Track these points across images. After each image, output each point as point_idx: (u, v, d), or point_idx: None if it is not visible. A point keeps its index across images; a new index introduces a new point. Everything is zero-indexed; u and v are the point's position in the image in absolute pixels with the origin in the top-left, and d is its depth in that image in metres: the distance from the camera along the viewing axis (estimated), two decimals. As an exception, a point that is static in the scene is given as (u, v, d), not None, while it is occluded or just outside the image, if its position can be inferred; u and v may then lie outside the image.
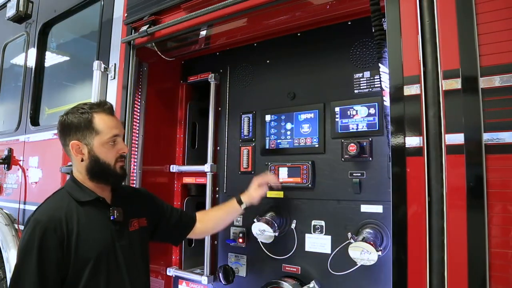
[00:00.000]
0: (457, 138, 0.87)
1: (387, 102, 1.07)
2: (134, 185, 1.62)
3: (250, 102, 1.64)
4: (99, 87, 1.60)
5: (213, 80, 1.72)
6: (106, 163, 1.09)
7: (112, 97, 1.62)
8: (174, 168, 1.80)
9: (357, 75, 1.37)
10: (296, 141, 1.48)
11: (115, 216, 1.10)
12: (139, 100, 1.67)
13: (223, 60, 1.74)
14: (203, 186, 1.69)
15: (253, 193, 1.37)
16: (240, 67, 1.69)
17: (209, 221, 1.38)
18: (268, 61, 1.61)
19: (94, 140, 1.08)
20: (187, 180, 1.79)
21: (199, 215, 1.38)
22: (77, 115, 1.09)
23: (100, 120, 1.10)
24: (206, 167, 1.66)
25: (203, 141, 1.78)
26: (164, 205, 1.32)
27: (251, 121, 1.62)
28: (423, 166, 0.90)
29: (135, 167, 1.63)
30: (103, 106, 1.12)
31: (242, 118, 1.64)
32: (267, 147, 1.55)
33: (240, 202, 1.38)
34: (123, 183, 1.21)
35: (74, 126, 1.09)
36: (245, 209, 1.38)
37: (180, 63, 1.90)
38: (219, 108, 1.73)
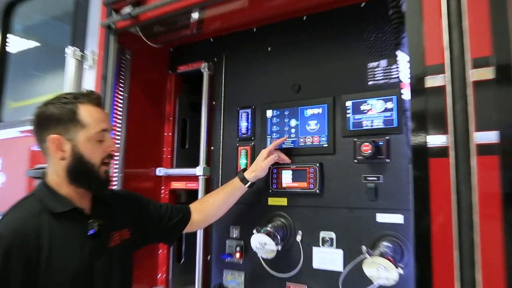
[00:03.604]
0: (489, 137, 0.86)
1: (406, 95, 1.07)
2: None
3: (248, 95, 1.64)
4: (74, 77, 1.59)
5: (207, 70, 1.73)
6: (90, 163, 1.07)
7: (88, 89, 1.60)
8: (161, 171, 1.80)
9: (371, 65, 1.37)
10: (301, 140, 1.49)
11: (95, 230, 1.08)
12: (121, 93, 1.66)
13: (218, 47, 1.74)
14: (195, 192, 1.70)
15: (261, 163, 1.39)
16: (237, 55, 1.69)
17: (209, 208, 1.40)
18: (269, 49, 1.61)
19: (79, 134, 1.06)
20: (176, 185, 1.80)
21: (194, 205, 1.40)
22: (59, 106, 1.05)
23: (86, 112, 1.07)
24: (198, 170, 1.67)
25: (195, 140, 1.79)
26: (151, 204, 1.32)
27: (250, 117, 1.62)
28: (448, 168, 0.89)
29: (116, 170, 1.62)
30: (90, 96, 1.10)
31: (240, 114, 1.64)
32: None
33: (243, 180, 1.39)
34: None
35: (55, 118, 1.05)
36: (251, 187, 1.41)
37: (169, 51, 1.90)
38: (213, 103, 1.73)
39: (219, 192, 1.44)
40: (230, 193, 1.42)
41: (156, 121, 1.84)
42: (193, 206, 1.41)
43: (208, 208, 1.42)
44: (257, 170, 1.41)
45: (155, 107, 1.83)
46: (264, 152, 1.44)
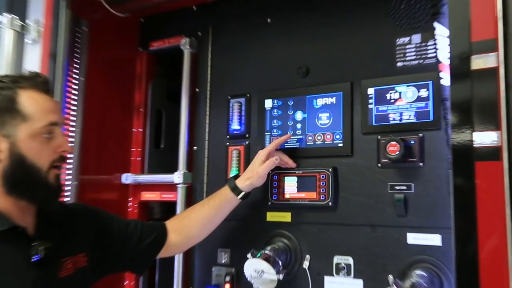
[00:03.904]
0: (554, 134, 0.87)
1: (446, 80, 1.09)
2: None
3: (242, 80, 1.65)
4: (12, 55, 1.56)
5: (188, 47, 1.73)
6: (35, 167, 1.06)
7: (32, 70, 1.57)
8: (128, 179, 1.81)
9: (401, 40, 1.37)
10: (309, 138, 1.48)
11: (40, 256, 1.06)
12: (76, 76, 1.65)
13: (202, 18, 1.75)
14: (172, 205, 1.70)
15: (257, 168, 1.40)
16: (227, 29, 1.70)
17: (190, 227, 1.42)
18: (269, 20, 1.61)
19: (19, 129, 1.05)
20: (147, 196, 1.81)
21: (172, 222, 1.42)
22: None
23: (29, 100, 1.06)
24: (177, 177, 1.67)
25: (173, 138, 1.79)
26: (114, 222, 1.33)
27: (243, 108, 1.62)
28: (501, 175, 0.89)
29: (69, 177, 1.61)
30: (34, 79, 1.10)
31: (231, 104, 1.65)
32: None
33: (235, 189, 1.40)
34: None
35: None
36: (244, 198, 1.42)
37: (138, 22, 1.91)
38: (197, 90, 1.74)
39: (203, 206, 1.44)
40: (218, 206, 1.42)
41: (122, 113, 1.84)
42: (170, 224, 1.42)
43: (189, 226, 1.42)
44: (252, 177, 1.41)
45: (120, 95, 1.83)
46: (261, 154, 1.44)
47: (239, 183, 1.41)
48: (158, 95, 1.89)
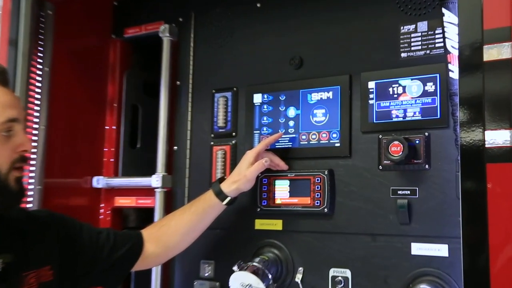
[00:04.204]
0: None
1: (455, 72, 1.08)
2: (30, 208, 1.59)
3: (228, 72, 1.64)
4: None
5: (168, 35, 1.72)
6: None
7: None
8: (99, 182, 1.80)
9: (405, 28, 1.37)
10: (303, 137, 1.48)
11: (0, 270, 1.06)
12: (39, 67, 1.64)
13: (184, 2, 1.75)
14: (149, 211, 1.70)
15: (245, 171, 1.40)
16: (212, 14, 1.69)
17: (170, 236, 1.42)
18: (258, 5, 1.61)
19: None
20: (121, 201, 1.80)
21: (149, 231, 1.42)
22: None
23: None
24: (155, 180, 1.67)
25: (150, 136, 1.78)
26: (84, 230, 1.33)
27: (230, 103, 1.62)
28: None
29: (32, 180, 1.60)
30: None
31: (216, 99, 1.64)
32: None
33: (219, 194, 1.40)
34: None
35: None
36: (230, 204, 1.42)
37: (111, 6, 1.90)
38: (177, 83, 1.74)
39: (184, 213, 1.44)
40: (200, 213, 1.42)
41: (93, 108, 1.83)
42: (147, 233, 1.42)
43: (168, 236, 1.42)
44: (239, 180, 1.41)
45: (91, 89, 1.82)
46: (250, 155, 1.43)
47: (225, 187, 1.41)
48: (133, 88, 1.88)
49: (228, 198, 1.40)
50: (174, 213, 1.47)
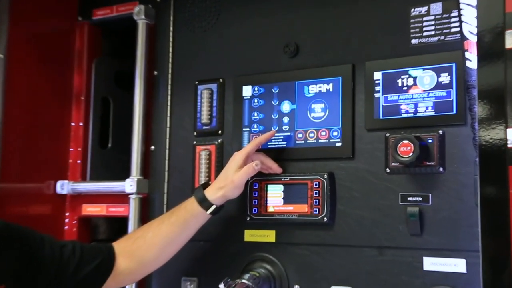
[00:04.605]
0: None
1: (472, 61, 1.07)
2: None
3: (214, 61, 1.65)
4: None
5: (143, 17, 1.72)
6: None
7: None
8: (64, 187, 1.80)
9: (416, 11, 1.37)
10: (300, 135, 1.49)
11: None
12: None
13: None
14: (123, 221, 1.70)
15: (232, 175, 1.41)
16: None
17: (146, 250, 1.43)
18: None
19: None
20: (90, 210, 1.80)
21: (122, 244, 1.43)
22: None
23: None
24: (129, 185, 1.67)
25: (123, 135, 1.79)
26: (45, 243, 1.32)
27: (215, 97, 1.63)
28: None
29: None
30: None
31: (199, 92, 1.65)
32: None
33: (203, 202, 1.41)
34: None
35: None
36: (215, 213, 1.42)
37: None
38: (155, 73, 1.75)
39: (163, 223, 1.44)
40: (181, 224, 1.42)
41: (56, 102, 1.82)
42: (119, 246, 1.42)
43: (144, 249, 1.42)
44: (226, 186, 1.41)
45: (54, 79, 1.82)
46: (238, 157, 1.43)
47: (209, 194, 1.41)
48: (104, 79, 1.87)
49: (213, 207, 1.40)
50: (151, 224, 1.46)
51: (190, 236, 1.45)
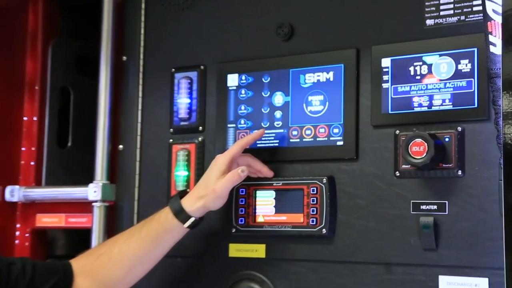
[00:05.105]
0: None
1: (497, 47, 1.06)
2: None
3: (193, 44, 1.65)
4: None
5: None
6: None
7: None
8: (14, 194, 1.80)
9: None
10: (294, 132, 1.49)
11: None
12: None
13: None
14: (85, 234, 1.70)
15: (214, 183, 1.40)
16: None
17: (110, 268, 1.42)
18: None
19: None
20: (46, 220, 1.80)
21: (82, 261, 1.43)
22: None
23: None
24: (93, 191, 1.68)
25: (86, 131, 1.80)
26: None
27: (195, 87, 1.63)
28: None
29: None
30: None
31: (177, 81, 1.66)
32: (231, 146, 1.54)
33: (180, 214, 1.41)
34: None
35: None
36: (194, 227, 1.42)
37: None
38: (123, 58, 1.75)
39: (132, 237, 1.43)
40: (154, 239, 1.42)
41: (4, 93, 1.83)
42: (79, 264, 1.41)
43: (109, 268, 1.42)
44: (207, 196, 1.40)
45: (2, 65, 1.82)
46: (221, 161, 1.43)
47: (187, 204, 1.40)
48: (62, 65, 1.87)
49: (192, 219, 1.40)
50: (118, 238, 1.46)
51: (164, 253, 1.44)
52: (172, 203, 1.41)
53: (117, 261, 1.40)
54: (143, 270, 1.44)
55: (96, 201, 1.66)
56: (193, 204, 1.40)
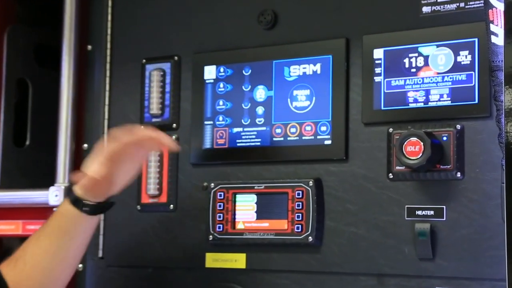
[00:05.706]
0: None
1: (499, 37, 1.06)
2: None
3: (166, 33, 1.67)
4: None
5: None
6: None
7: None
8: None
9: None
10: (278, 130, 1.50)
11: None
12: None
13: None
14: None
15: (96, 166, 1.38)
16: None
17: (29, 275, 1.41)
18: None
19: None
20: (1, 228, 1.81)
21: (6, 269, 1.41)
22: None
23: None
24: (54, 195, 1.68)
25: (46, 129, 1.80)
26: None
27: (168, 80, 1.65)
28: None
29: None
30: None
31: (148, 74, 1.67)
32: (208, 146, 1.58)
33: (76, 202, 1.40)
34: None
35: None
36: (95, 212, 1.41)
37: None
38: (88, 47, 1.77)
39: (40, 237, 1.44)
40: (61, 233, 1.42)
41: None
42: (6, 269, 1.40)
43: (27, 274, 1.41)
44: (92, 185, 1.39)
45: None
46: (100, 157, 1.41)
47: (80, 190, 1.39)
48: (20, 54, 1.87)
49: (90, 205, 1.38)
50: (29, 241, 1.44)
51: (81, 247, 1.44)
52: (70, 192, 1.42)
53: (33, 265, 1.40)
54: (66, 268, 1.44)
55: (57, 206, 1.61)
56: (81, 191, 1.39)
